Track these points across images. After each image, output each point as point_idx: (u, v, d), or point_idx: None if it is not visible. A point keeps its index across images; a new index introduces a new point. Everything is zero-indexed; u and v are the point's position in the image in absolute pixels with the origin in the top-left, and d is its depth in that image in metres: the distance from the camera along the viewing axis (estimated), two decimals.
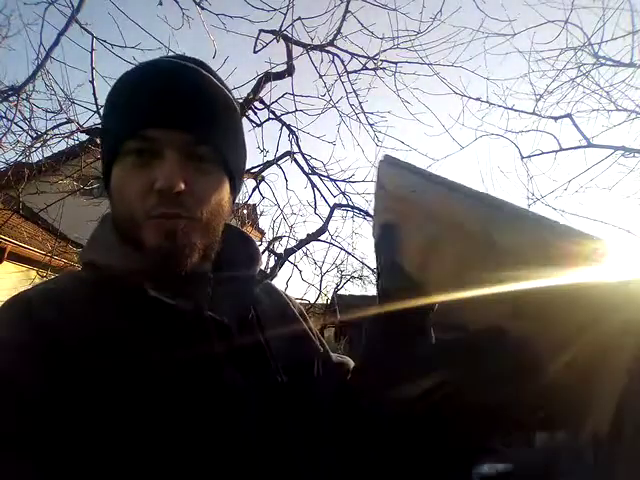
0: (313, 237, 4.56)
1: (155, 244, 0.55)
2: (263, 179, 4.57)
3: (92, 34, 2.88)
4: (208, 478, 0.49)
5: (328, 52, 4.00)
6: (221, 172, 0.61)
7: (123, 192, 0.57)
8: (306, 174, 4.37)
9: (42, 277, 5.07)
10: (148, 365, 0.50)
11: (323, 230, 4.50)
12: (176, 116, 0.56)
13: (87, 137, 3.61)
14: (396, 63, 4.01)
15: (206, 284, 0.60)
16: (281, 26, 3.68)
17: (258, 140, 4.13)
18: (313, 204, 4.54)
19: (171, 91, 0.57)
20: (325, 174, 4.38)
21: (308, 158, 4.33)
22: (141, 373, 0.49)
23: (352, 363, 0.78)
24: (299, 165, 4.33)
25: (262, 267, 0.69)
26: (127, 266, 0.56)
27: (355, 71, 4.06)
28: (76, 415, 0.45)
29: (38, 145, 3.62)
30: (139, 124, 0.55)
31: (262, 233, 5.79)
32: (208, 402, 0.52)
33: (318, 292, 6.58)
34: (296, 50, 4.05)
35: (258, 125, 4.10)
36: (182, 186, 0.54)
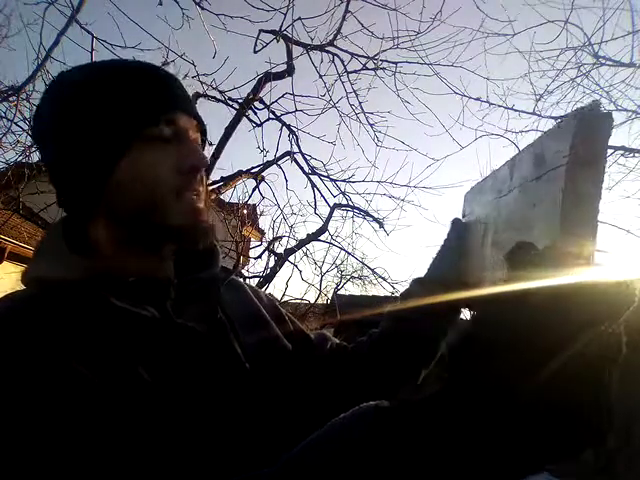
0: (313, 237, 4.56)
1: (187, 222, 0.57)
2: (263, 179, 4.57)
3: (92, 34, 2.88)
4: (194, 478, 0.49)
5: (328, 52, 4.00)
6: None
7: (148, 174, 0.56)
8: (306, 174, 4.37)
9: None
10: (119, 376, 0.48)
11: (323, 230, 4.50)
12: (190, 105, 0.61)
13: None
14: (396, 63, 4.02)
15: (169, 289, 0.59)
16: (281, 26, 3.69)
17: (258, 140, 4.13)
18: (313, 204, 4.55)
19: (179, 84, 0.62)
20: (325, 174, 4.39)
21: (308, 158, 4.34)
22: (112, 385, 0.47)
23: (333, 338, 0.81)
24: (299, 165, 4.33)
25: (222, 264, 0.69)
26: (85, 277, 0.54)
27: (355, 71, 4.07)
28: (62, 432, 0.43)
29: None
30: (163, 109, 0.57)
31: (262, 233, 5.78)
32: (187, 409, 0.51)
33: (318, 292, 6.56)
34: (296, 50, 4.06)
35: (258, 125, 4.10)
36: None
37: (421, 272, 0.75)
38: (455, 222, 0.72)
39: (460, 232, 0.70)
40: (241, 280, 0.77)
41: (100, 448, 0.44)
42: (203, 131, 0.64)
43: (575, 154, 0.33)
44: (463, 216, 0.69)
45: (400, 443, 0.37)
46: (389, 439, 0.37)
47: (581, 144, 0.33)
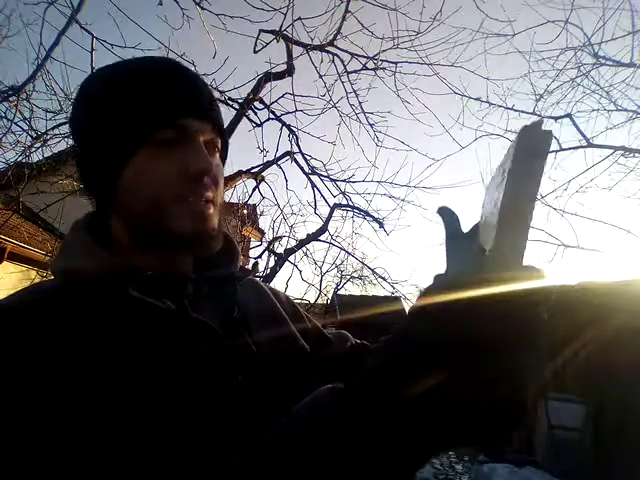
0: (313, 237, 4.56)
1: (187, 228, 0.56)
2: (263, 179, 4.57)
3: (92, 34, 2.88)
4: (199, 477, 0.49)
5: (328, 52, 4.01)
6: (222, 164, 0.65)
7: (153, 178, 0.56)
8: (306, 174, 4.37)
9: (42, 277, 5.07)
10: (133, 368, 0.49)
11: (323, 230, 4.51)
12: (205, 108, 0.60)
13: None
14: (396, 63, 4.02)
15: (187, 284, 0.59)
16: (281, 26, 3.69)
17: (258, 140, 4.14)
18: (313, 204, 4.55)
19: (194, 85, 0.60)
20: (325, 174, 4.39)
21: (308, 158, 4.34)
22: (124, 376, 0.48)
23: (350, 336, 0.79)
24: (299, 165, 4.34)
25: (241, 263, 0.69)
26: (105, 269, 0.55)
27: (355, 71, 4.07)
28: (60, 421, 0.44)
29: (38, 145, 3.64)
30: (174, 113, 0.57)
31: (262, 233, 5.78)
32: (198, 404, 0.51)
33: (318, 292, 6.56)
34: (296, 50, 4.06)
35: (258, 125, 4.10)
36: (214, 170, 0.59)
37: (422, 272, 0.73)
38: (442, 211, 0.69)
39: (453, 217, 0.67)
40: (259, 280, 0.77)
41: (103, 440, 0.45)
42: (221, 132, 0.63)
43: (512, 169, 0.36)
44: (483, 207, 0.68)
45: (356, 425, 0.38)
46: (346, 422, 0.39)
47: (518, 161, 0.36)
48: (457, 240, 0.69)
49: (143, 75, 0.58)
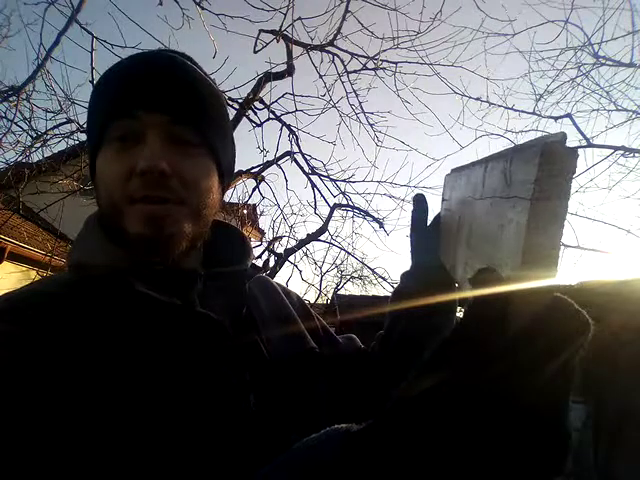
0: (313, 237, 4.56)
1: (137, 231, 0.53)
2: (263, 179, 4.57)
3: (92, 34, 2.88)
4: (201, 475, 0.48)
5: (328, 52, 4.01)
6: (208, 159, 0.59)
7: (106, 179, 0.56)
8: (306, 174, 4.37)
9: (42, 277, 5.06)
10: (138, 364, 0.49)
11: (323, 230, 4.50)
12: (153, 97, 0.55)
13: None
14: (396, 63, 4.02)
15: (196, 280, 0.59)
16: (281, 26, 3.69)
17: (258, 140, 4.14)
18: (313, 204, 4.55)
19: (148, 74, 0.56)
20: (325, 174, 4.39)
21: (308, 158, 4.34)
22: (131, 372, 0.48)
23: (357, 341, 0.78)
24: (299, 165, 4.33)
25: (254, 261, 0.68)
26: (113, 263, 0.55)
27: (355, 71, 4.07)
28: (65, 417, 0.44)
29: (38, 145, 3.64)
30: (121, 106, 0.55)
31: (262, 233, 5.78)
32: (202, 401, 0.51)
33: (318, 292, 6.55)
34: (296, 50, 4.06)
35: (258, 125, 4.10)
36: (165, 166, 0.53)
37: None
38: (417, 199, 0.69)
39: (424, 208, 0.68)
40: (269, 278, 0.76)
41: (108, 436, 0.45)
42: (198, 126, 0.57)
43: (539, 190, 0.33)
44: (443, 200, 0.67)
45: (369, 471, 0.36)
46: (357, 466, 0.37)
47: (544, 181, 0.33)
48: (420, 234, 0.69)
49: (115, 68, 0.59)
